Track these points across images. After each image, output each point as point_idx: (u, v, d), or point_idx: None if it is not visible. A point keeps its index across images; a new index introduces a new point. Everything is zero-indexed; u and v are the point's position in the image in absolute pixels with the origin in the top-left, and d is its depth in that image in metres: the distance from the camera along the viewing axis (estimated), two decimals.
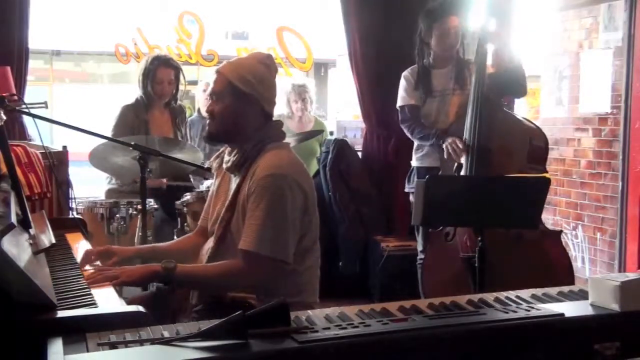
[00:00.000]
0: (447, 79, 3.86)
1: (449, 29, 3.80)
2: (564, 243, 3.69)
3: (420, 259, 3.89)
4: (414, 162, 4.03)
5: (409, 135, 3.96)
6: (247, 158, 2.31)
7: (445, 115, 3.82)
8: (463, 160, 3.54)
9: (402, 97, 3.96)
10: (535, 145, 3.54)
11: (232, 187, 2.35)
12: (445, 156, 3.62)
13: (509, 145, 3.52)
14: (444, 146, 3.61)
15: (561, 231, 3.74)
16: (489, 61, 3.57)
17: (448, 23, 3.79)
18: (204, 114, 2.63)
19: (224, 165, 2.40)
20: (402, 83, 3.96)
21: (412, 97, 3.90)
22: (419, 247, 3.96)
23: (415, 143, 4.00)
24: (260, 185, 2.20)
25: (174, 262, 2.18)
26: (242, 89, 2.29)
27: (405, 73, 3.97)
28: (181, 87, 4.21)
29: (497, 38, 3.56)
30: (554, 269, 3.36)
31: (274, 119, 2.45)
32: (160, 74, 4.07)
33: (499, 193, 2.90)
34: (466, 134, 3.53)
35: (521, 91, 3.75)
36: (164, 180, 4.05)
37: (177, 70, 4.15)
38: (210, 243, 2.38)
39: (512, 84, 3.65)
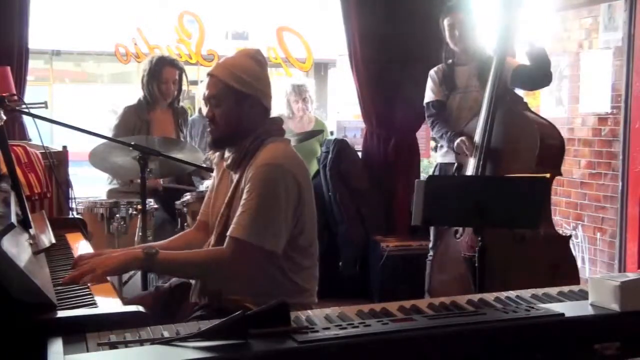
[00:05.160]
0: (469, 76, 3.94)
1: (453, 24, 3.89)
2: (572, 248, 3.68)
3: (431, 255, 3.94)
4: (438, 159, 4.16)
5: (431, 130, 4.10)
6: (245, 154, 2.28)
7: (467, 111, 3.88)
8: (472, 159, 3.58)
9: (427, 95, 4.07)
10: (547, 148, 3.53)
11: (232, 184, 2.33)
12: (457, 153, 3.73)
13: (520, 146, 3.53)
14: (454, 146, 3.72)
15: (570, 236, 3.74)
16: (518, 52, 3.67)
17: (452, 18, 3.90)
18: (205, 112, 2.63)
19: (225, 163, 2.37)
20: (428, 81, 4.07)
21: (436, 94, 4.01)
22: (431, 244, 4.01)
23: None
24: (255, 174, 2.18)
25: (156, 249, 2.15)
26: (240, 90, 2.26)
27: (431, 72, 4.08)
28: (184, 88, 4.22)
29: (511, 31, 3.66)
30: (561, 274, 3.36)
31: (274, 116, 2.44)
32: (166, 74, 4.09)
33: (498, 193, 2.90)
34: (478, 133, 3.59)
35: (548, 78, 3.78)
36: (160, 181, 4.04)
37: (181, 71, 4.18)
38: (211, 240, 2.34)
39: (536, 75, 3.72)
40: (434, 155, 5.60)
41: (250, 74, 2.28)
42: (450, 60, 4.02)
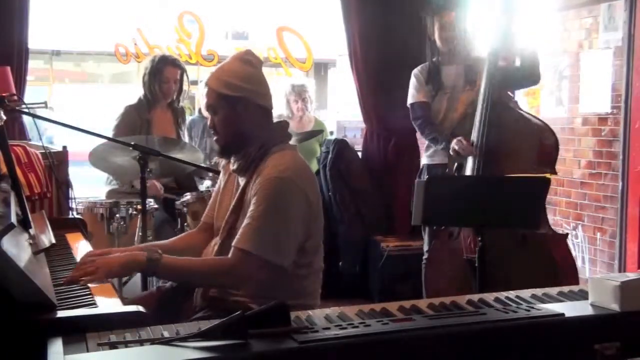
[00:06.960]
0: (456, 75, 3.90)
1: (447, 22, 3.85)
2: (570, 246, 3.68)
3: (426, 258, 3.89)
4: (425, 160, 4.06)
5: (420, 133, 4.00)
6: (252, 161, 2.27)
7: (453, 111, 3.86)
8: (470, 159, 3.56)
9: (411, 95, 3.99)
10: (545, 147, 3.53)
11: (238, 189, 2.32)
12: (452, 154, 3.65)
13: (518, 146, 3.52)
14: (451, 147, 3.65)
15: (567, 234, 3.74)
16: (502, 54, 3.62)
17: (445, 16, 3.85)
18: (205, 113, 2.63)
19: (231, 167, 2.37)
20: (412, 80, 4.00)
21: (421, 93, 3.94)
22: (425, 247, 3.97)
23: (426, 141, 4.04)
24: (264, 187, 2.17)
25: (160, 253, 2.13)
26: (230, 95, 2.25)
27: (415, 71, 4.01)
28: (184, 88, 4.23)
29: (508, 33, 3.61)
30: (560, 272, 3.35)
31: (277, 119, 2.43)
32: (167, 73, 4.09)
33: (499, 193, 2.90)
34: (474, 134, 3.56)
35: (536, 79, 3.77)
36: (161, 190, 4.01)
37: (183, 70, 4.18)
38: (216, 244, 2.33)
39: (525, 76, 3.70)
40: None
41: (239, 76, 2.26)
42: (435, 59, 3.95)
